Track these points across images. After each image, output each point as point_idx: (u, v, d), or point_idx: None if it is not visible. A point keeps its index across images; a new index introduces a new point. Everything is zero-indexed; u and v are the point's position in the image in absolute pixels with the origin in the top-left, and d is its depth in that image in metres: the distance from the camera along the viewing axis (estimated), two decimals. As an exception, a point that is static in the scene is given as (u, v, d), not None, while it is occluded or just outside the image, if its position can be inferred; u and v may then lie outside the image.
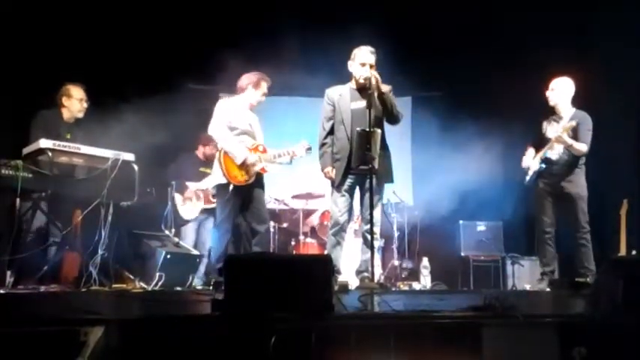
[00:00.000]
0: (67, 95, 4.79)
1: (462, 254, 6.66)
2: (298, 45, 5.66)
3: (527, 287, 5.89)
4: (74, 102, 4.80)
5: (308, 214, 6.55)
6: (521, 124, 5.61)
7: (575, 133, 4.64)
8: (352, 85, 4.39)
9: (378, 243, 5.46)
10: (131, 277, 4.71)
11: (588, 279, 4.39)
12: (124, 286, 4.59)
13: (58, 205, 4.59)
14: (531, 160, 4.84)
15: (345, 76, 4.46)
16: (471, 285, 6.42)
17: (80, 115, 4.82)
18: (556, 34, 6.16)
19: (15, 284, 4.02)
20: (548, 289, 4.61)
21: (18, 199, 4.08)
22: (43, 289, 4.11)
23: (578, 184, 4.65)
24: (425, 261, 6.33)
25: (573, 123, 4.62)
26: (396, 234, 6.43)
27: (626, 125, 5.90)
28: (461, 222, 6.73)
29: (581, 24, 6.15)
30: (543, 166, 4.74)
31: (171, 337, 2.29)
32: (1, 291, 3.84)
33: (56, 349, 2.20)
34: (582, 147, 4.61)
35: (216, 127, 4.50)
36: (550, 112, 4.89)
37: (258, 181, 4.58)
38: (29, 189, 4.19)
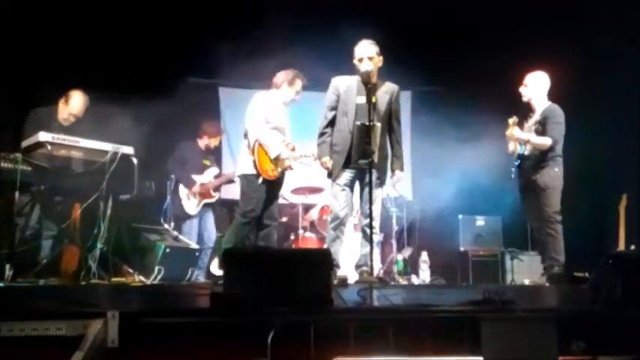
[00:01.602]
0: (64, 100, 4.78)
1: (461, 249, 6.67)
2: (299, 38, 5.64)
3: (526, 282, 5.90)
4: (65, 111, 4.77)
5: (307, 208, 6.55)
6: (521, 119, 5.59)
7: (542, 127, 4.58)
8: (360, 78, 4.35)
9: (377, 237, 5.46)
10: (130, 270, 4.72)
11: (555, 269, 4.42)
12: (123, 279, 4.60)
13: (57, 199, 4.60)
14: (512, 149, 4.81)
15: (345, 70, 4.43)
16: (470, 280, 6.42)
17: (65, 124, 4.78)
18: (559, 28, 6.13)
19: (14, 277, 4.02)
20: (547, 284, 4.61)
21: (17, 193, 4.08)
22: (42, 282, 4.12)
23: (548, 175, 4.56)
24: (424, 255, 6.33)
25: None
26: (395, 228, 6.43)
27: (626, 119, 5.89)
28: (460, 216, 6.73)
29: (583, 17, 6.13)
30: (517, 162, 4.72)
31: (170, 331, 2.29)
32: (1, 284, 3.84)
33: (55, 342, 2.20)
34: (545, 141, 4.53)
35: (254, 120, 4.51)
36: (527, 108, 4.82)
37: (281, 178, 4.63)
38: (28, 182, 4.19)
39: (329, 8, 6.12)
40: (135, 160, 4.55)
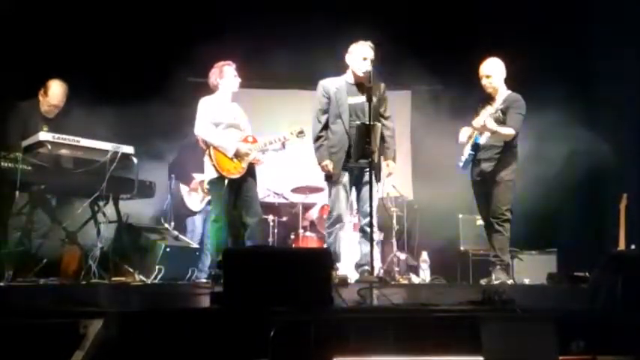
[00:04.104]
0: (44, 91, 4.75)
1: (462, 248, 6.65)
2: (298, 37, 5.64)
3: (526, 281, 5.90)
4: (45, 102, 4.74)
5: (307, 207, 6.55)
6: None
7: (504, 116, 4.36)
8: (348, 79, 4.35)
9: (377, 236, 5.46)
10: (130, 270, 4.71)
11: (498, 268, 4.30)
12: (124, 279, 4.59)
13: (57, 198, 4.60)
14: (465, 138, 4.60)
15: (344, 68, 4.43)
16: (470, 279, 6.42)
17: (48, 115, 4.75)
18: (557, 24, 6.12)
19: (14, 277, 4.02)
20: (546, 283, 4.61)
21: (17, 192, 4.07)
22: (42, 282, 4.12)
23: (505, 168, 4.40)
24: (424, 255, 6.32)
25: (491, 107, 4.37)
26: (395, 228, 6.42)
27: (628, 118, 5.88)
28: (460, 216, 6.71)
29: (584, 15, 6.13)
30: (472, 152, 4.55)
31: (170, 330, 2.30)
32: (1, 284, 3.84)
33: (56, 341, 2.21)
34: (509, 131, 4.32)
35: (200, 126, 4.48)
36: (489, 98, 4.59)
37: (250, 172, 4.56)
38: (28, 182, 4.18)
39: (328, 7, 6.11)
40: (135, 160, 4.55)
